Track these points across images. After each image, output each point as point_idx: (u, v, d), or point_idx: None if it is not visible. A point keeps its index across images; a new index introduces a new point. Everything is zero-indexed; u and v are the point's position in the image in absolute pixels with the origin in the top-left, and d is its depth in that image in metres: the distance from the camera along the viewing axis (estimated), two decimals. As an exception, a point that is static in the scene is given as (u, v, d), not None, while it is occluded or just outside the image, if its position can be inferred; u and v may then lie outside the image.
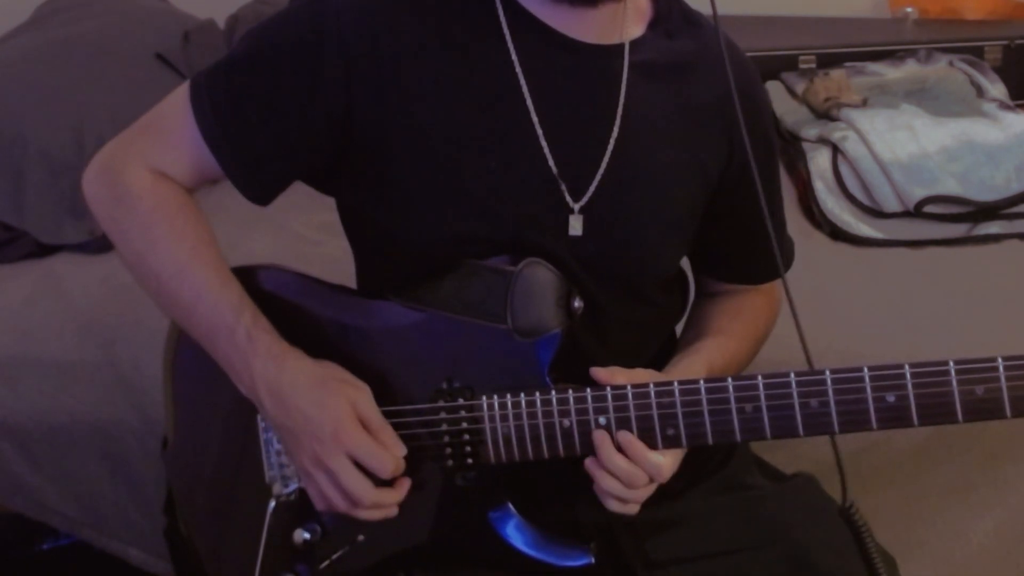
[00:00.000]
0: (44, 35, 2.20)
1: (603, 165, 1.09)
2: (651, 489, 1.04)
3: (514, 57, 1.07)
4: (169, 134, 1.11)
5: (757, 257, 1.23)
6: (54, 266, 1.87)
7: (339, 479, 1.02)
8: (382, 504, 1.04)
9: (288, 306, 1.13)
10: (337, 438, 1.01)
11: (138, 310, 1.64)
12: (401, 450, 1.04)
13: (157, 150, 1.11)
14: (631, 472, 1.01)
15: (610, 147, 1.09)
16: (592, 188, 1.09)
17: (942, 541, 1.58)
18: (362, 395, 1.05)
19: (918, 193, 1.94)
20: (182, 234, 1.09)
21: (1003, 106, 2.16)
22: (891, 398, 0.95)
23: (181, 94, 1.11)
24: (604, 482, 1.02)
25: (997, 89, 2.28)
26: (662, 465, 1.01)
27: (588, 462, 1.03)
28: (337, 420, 1.02)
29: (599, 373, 1.04)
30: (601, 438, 1.02)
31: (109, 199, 1.12)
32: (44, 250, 1.91)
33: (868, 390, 0.95)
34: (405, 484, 1.05)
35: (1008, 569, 1.59)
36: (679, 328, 1.28)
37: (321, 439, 1.02)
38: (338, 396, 1.03)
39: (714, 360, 1.14)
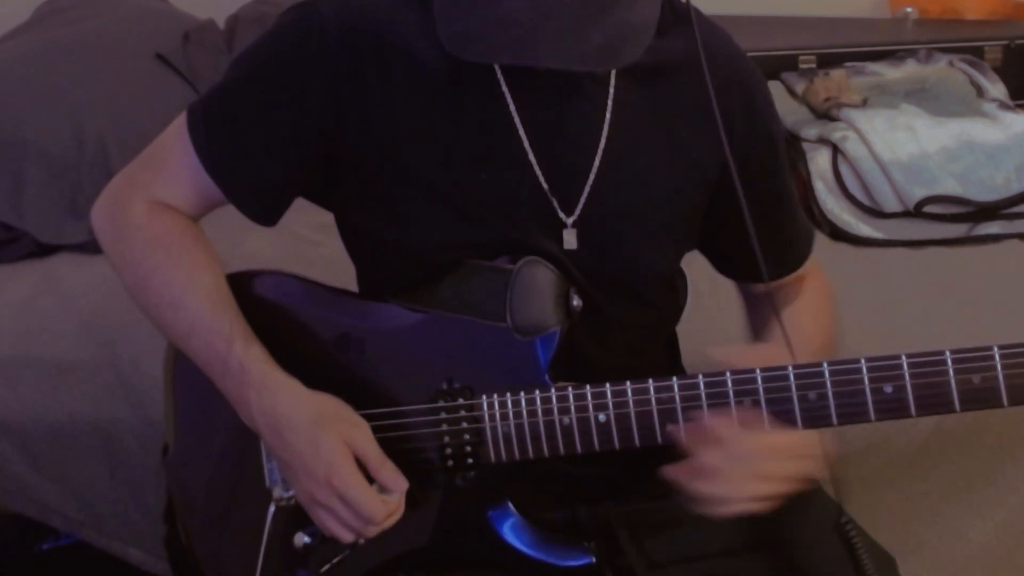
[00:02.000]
0: (44, 35, 2.20)
1: (592, 176, 1.08)
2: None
3: (499, 73, 1.06)
4: (169, 164, 1.12)
5: (773, 250, 1.22)
6: (54, 266, 1.87)
7: (337, 517, 1.02)
8: (384, 528, 1.04)
9: (287, 311, 1.13)
10: (330, 482, 1.01)
11: (138, 310, 1.64)
12: (401, 485, 1.03)
13: (158, 181, 1.13)
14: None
15: (598, 157, 1.08)
16: (583, 200, 1.08)
17: (942, 541, 1.58)
18: (359, 431, 1.04)
19: (918, 193, 1.94)
20: (177, 262, 1.09)
21: (1003, 106, 2.17)
22: (888, 389, 0.95)
23: (178, 124, 1.12)
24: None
25: (997, 89, 2.28)
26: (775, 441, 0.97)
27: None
28: (329, 463, 1.01)
29: (716, 354, 1.00)
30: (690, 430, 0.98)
31: (112, 232, 1.13)
32: (44, 250, 1.91)
33: (866, 381, 0.95)
34: (403, 502, 1.05)
35: (1008, 569, 1.60)
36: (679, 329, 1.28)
37: (315, 480, 1.02)
38: (332, 435, 1.02)
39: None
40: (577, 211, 1.08)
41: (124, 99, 2.06)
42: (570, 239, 1.08)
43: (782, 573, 1.13)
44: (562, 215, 1.08)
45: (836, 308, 1.25)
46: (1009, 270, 1.82)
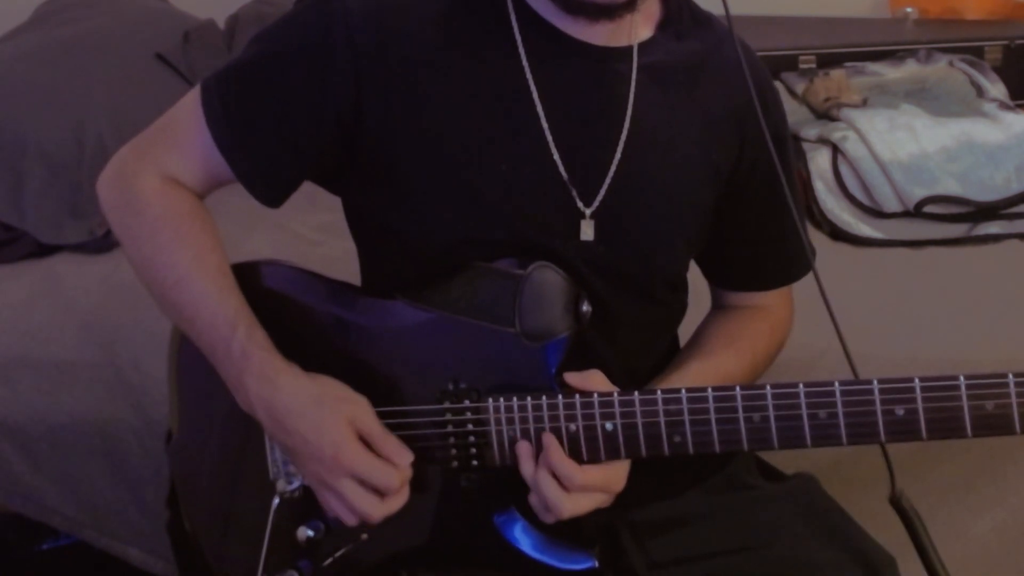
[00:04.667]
0: (44, 35, 2.20)
1: (612, 169, 1.09)
2: (582, 501, 1.02)
3: (524, 61, 1.07)
4: (181, 139, 1.11)
5: (761, 261, 1.22)
6: (54, 266, 1.87)
7: (346, 499, 1.02)
8: (390, 512, 1.04)
9: (293, 303, 1.13)
10: (338, 461, 1.01)
11: (138, 310, 1.64)
12: (407, 457, 1.03)
13: (169, 156, 1.12)
14: (558, 497, 1.01)
15: (619, 150, 1.09)
16: (602, 192, 1.08)
17: (942, 541, 1.57)
18: (360, 408, 1.04)
19: (918, 193, 1.94)
20: (185, 242, 1.09)
21: (1003, 106, 2.16)
22: (900, 411, 0.94)
23: (192, 98, 1.11)
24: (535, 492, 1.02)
25: (997, 89, 2.28)
26: (572, 474, 1.00)
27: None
28: (336, 443, 1.01)
29: (572, 379, 1.03)
30: (524, 449, 1.02)
31: (120, 205, 1.12)
32: (44, 250, 1.91)
33: (877, 403, 0.95)
34: (407, 487, 1.05)
35: (1008, 569, 1.59)
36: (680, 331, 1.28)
37: (322, 461, 1.02)
38: (335, 415, 1.02)
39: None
40: (596, 202, 1.09)
41: (124, 99, 2.05)
42: (587, 230, 1.08)
43: (782, 572, 1.13)
44: (581, 205, 1.08)
45: (774, 352, 1.25)
46: (1009, 270, 1.82)
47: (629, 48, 1.10)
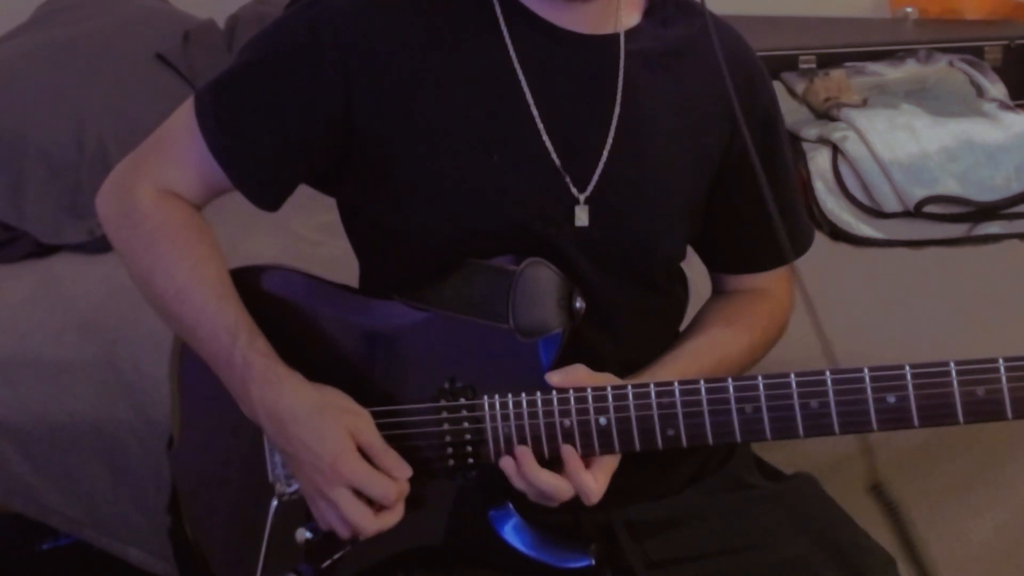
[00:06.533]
0: (44, 35, 2.21)
1: (605, 154, 1.09)
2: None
3: (512, 53, 1.08)
4: (176, 151, 1.12)
5: (756, 243, 1.22)
6: (54, 266, 1.87)
7: (340, 509, 1.03)
8: (384, 527, 1.04)
9: (292, 306, 1.13)
10: (336, 470, 1.01)
11: (138, 310, 1.63)
12: (406, 472, 1.04)
13: (165, 168, 1.13)
14: (557, 486, 1.01)
15: (611, 136, 1.09)
16: (595, 178, 1.09)
17: (942, 541, 1.58)
18: (361, 421, 1.04)
19: (918, 193, 1.94)
20: (183, 253, 1.09)
21: (1003, 106, 2.16)
22: (891, 399, 0.95)
23: (186, 109, 1.12)
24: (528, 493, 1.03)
25: (997, 89, 2.28)
26: (591, 491, 1.01)
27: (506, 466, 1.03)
28: (335, 452, 1.01)
29: (553, 378, 1.03)
30: (522, 453, 1.02)
31: (118, 218, 1.13)
32: (44, 250, 1.91)
33: (869, 391, 0.95)
34: (402, 503, 1.05)
35: (1008, 569, 1.60)
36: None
37: (321, 470, 1.02)
38: (336, 425, 1.02)
39: (688, 369, 1.12)
40: (590, 188, 1.09)
41: (124, 99, 2.06)
42: (582, 216, 1.09)
43: (782, 572, 1.13)
44: (575, 191, 1.09)
45: (774, 334, 1.24)
46: (1009, 270, 1.82)
47: (616, 35, 1.11)
